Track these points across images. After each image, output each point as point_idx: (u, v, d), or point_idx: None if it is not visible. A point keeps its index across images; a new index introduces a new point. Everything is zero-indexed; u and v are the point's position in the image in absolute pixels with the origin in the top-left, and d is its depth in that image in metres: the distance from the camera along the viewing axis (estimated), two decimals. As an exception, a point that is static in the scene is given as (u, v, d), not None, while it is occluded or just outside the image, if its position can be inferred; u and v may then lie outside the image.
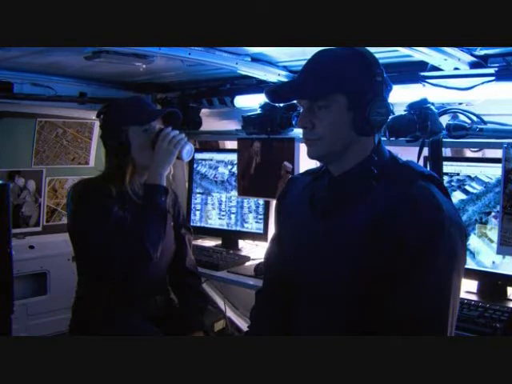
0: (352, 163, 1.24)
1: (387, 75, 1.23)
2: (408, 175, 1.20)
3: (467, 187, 1.85)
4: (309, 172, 1.44)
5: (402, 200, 1.15)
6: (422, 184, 1.18)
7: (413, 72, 1.80)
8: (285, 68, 2.19)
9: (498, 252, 1.69)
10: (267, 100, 1.28)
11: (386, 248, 1.13)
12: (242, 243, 2.69)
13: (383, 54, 1.73)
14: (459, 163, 1.90)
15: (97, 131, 3.14)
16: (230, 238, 2.69)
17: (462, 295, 1.73)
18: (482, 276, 1.80)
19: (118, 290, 1.81)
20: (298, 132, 2.22)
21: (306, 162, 1.42)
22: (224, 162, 2.76)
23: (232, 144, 2.80)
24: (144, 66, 2.08)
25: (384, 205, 1.16)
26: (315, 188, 1.33)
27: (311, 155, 1.26)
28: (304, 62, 1.26)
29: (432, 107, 1.74)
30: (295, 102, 1.34)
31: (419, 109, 1.73)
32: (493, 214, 1.77)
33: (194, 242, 2.49)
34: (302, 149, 2.15)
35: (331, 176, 1.28)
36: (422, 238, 1.12)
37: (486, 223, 1.80)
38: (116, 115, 1.88)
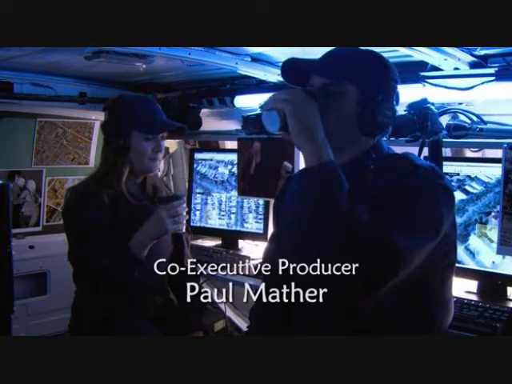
0: (348, 158, 1.23)
1: None
2: (407, 163, 1.20)
3: (467, 187, 1.85)
4: None
5: (401, 180, 1.15)
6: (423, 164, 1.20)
7: (413, 72, 1.80)
8: (285, 68, 2.19)
9: (498, 252, 1.69)
10: (281, 77, 1.26)
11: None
12: (241, 243, 2.68)
13: (383, 54, 1.72)
14: (459, 163, 1.90)
15: (97, 131, 3.13)
16: (230, 237, 2.69)
17: (462, 295, 1.74)
18: (481, 276, 1.80)
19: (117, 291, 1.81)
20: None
21: (306, 162, 1.43)
22: (224, 162, 2.76)
23: (232, 144, 2.80)
24: (144, 65, 2.07)
25: (382, 193, 1.15)
26: None
27: None
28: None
29: (432, 107, 1.73)
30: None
31: (419, 109, 1.73)
32: (493, 214, 1.77)
33: (194, 242, 2.49)
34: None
35: None
36: (418, 185, 1.13)
37: (486, 223, 1.80)
38: (122, 115, 1.83)
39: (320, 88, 1.19)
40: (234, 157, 2.59)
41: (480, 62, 1.67)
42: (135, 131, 1.81)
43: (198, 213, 2.84)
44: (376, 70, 1.20)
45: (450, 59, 1.62)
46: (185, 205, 1.85)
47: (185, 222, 1.85)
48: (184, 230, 1.91)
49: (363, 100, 1.17)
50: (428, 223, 1.12)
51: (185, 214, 1.84)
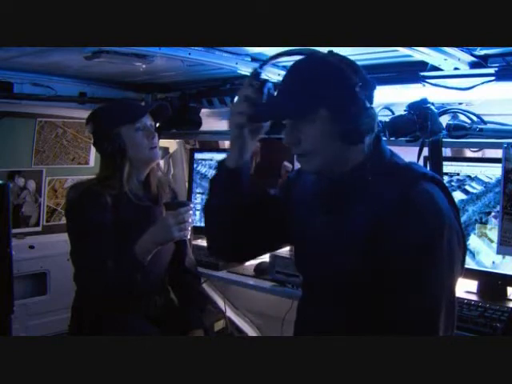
0: (348, 166, 1.21)
1: (376, 76, 1.20)
2: (409, 176, 1.18)
3: (467, 187, 1.84)
4: None
5: (402, 202, 1.13)
6: (424, 187, 1.16)
7: (413, 72, 1.80)
8: (285, 68, 2.18)
9: (498, 252, 1.69)
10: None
11: (385, 248, 1.13)
12: (241, 243, 2.67)
13: (384, 54, 1.73)
14: (459, 163, 1.89)
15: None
16: (230, 237, 2.68)
17: (462, 295, 1.74)
18: (481, 276, 1.80)
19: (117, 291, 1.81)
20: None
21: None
22: (224, 162, 2.75)
23: (232, 144, 2.79)
24: (144, 65, 2.08)
25: (384, 205, 1.15)
26: (319, 183, 1.32)
27: (306, 169, 1.25)
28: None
29: (432, 107, 1.73)
30: None
31: (419, 109, 1.72)
32: (493, 213, 1.77)
33: (194, 242, 2.49)
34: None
35: (329, 176, 1.27)
36: (421, 244, 1.11)
37: (486, 223, 1.80)
38: (105, 120, 1.88)
39: (292, 122, 1.19)
40: (234, 157, 2.58)
41: (480, 62, 1.67)
42: (123, 127, 1.84)
43: (198, 213, 2.84)
44: (337, 87, 1.14)
45: (450, 59, 1.62)
46: (191, 212, 1.85)
47: (190, 228, 1.85)
48: (189, 237, 1.91)
49: (337, 117, 1.14)
50: (440, 285, 1.14)
51: (190, 220, 1.84)
